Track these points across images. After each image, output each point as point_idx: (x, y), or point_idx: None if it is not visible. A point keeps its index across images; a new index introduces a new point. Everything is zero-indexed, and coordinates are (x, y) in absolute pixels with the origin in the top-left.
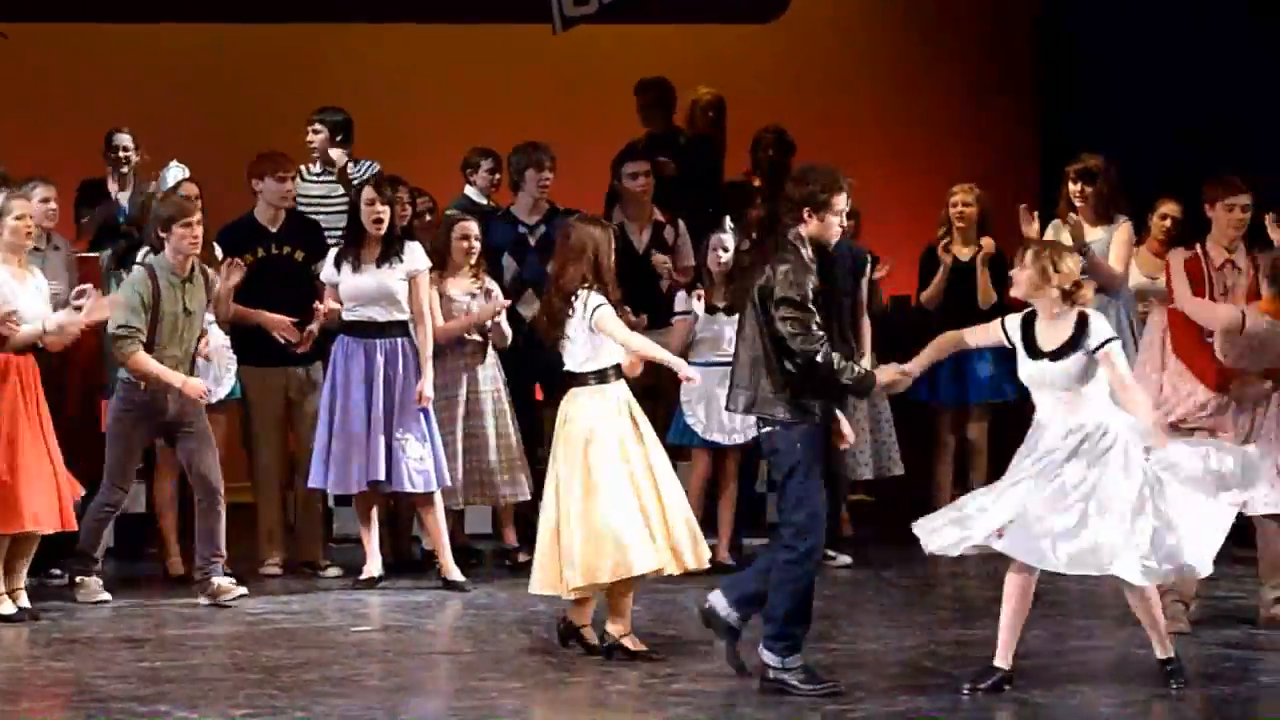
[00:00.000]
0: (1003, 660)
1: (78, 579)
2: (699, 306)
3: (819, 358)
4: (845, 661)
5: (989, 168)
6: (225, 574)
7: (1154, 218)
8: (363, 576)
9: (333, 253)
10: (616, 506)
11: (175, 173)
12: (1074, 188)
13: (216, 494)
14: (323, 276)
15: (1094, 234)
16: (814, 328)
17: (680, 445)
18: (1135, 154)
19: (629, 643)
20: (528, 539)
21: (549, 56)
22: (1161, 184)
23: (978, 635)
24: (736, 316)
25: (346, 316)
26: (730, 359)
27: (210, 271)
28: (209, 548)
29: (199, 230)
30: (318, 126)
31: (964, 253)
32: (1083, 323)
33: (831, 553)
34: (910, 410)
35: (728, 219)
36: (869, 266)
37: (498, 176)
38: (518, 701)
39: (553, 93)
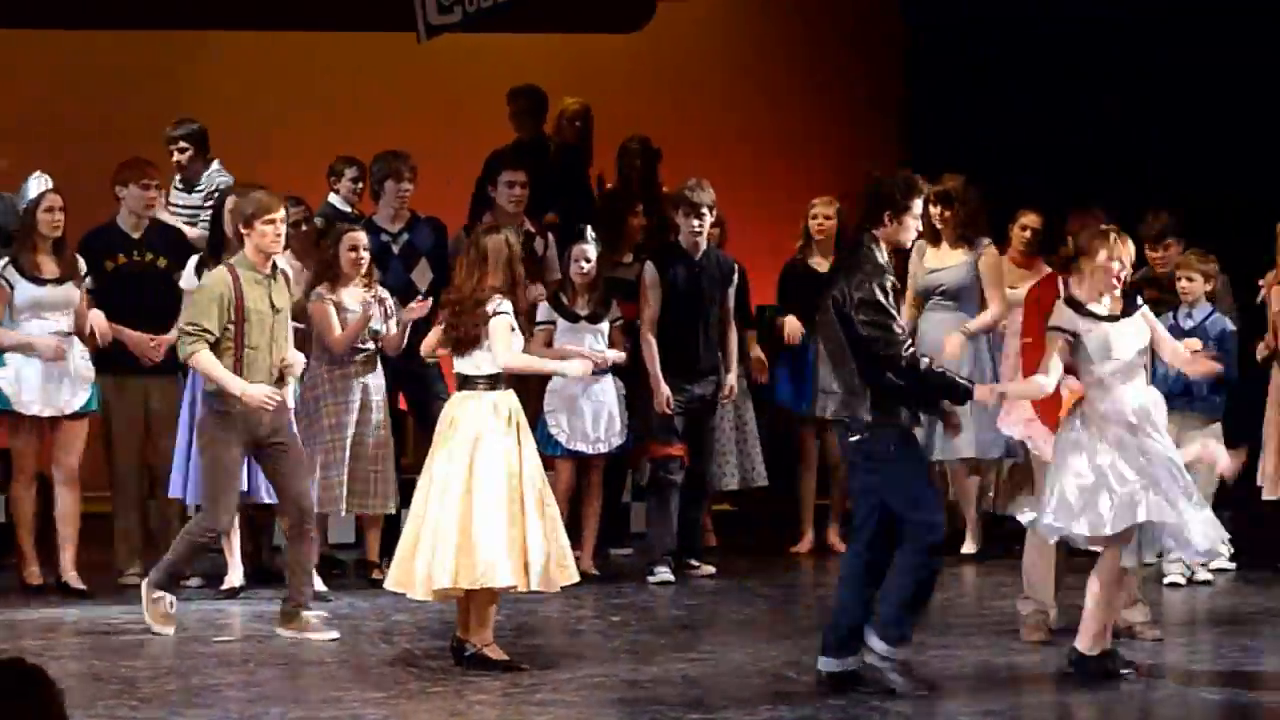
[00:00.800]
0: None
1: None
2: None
3: (903, 361)
4: (708, 671)
5: (854, 180)
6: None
7: (1014, 228)
8: (224, 586)
9: (194, 260)
10: (494, 516)
11: (37, 184)
12: (934, 210)
13: (308, 519)
14: (183, 284)
15: (954, 256)
16: (895, 329)
17: (543, 455)
18: (1000, 172)
19: (491, 652)
20: (389, 552)
21: (414, 65)
22: (1026, 202)
23: None
24: (601, 325)
25: None
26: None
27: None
28: (301, 578)
29: (282, 227)
30: (183, 145)
31: (822, 265)
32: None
33: (694, 562)
34: (774, 420)
35: (589, 229)
36: (736, 275)
37: (361, 185)
38: (379, 711)
39: (418, 101)
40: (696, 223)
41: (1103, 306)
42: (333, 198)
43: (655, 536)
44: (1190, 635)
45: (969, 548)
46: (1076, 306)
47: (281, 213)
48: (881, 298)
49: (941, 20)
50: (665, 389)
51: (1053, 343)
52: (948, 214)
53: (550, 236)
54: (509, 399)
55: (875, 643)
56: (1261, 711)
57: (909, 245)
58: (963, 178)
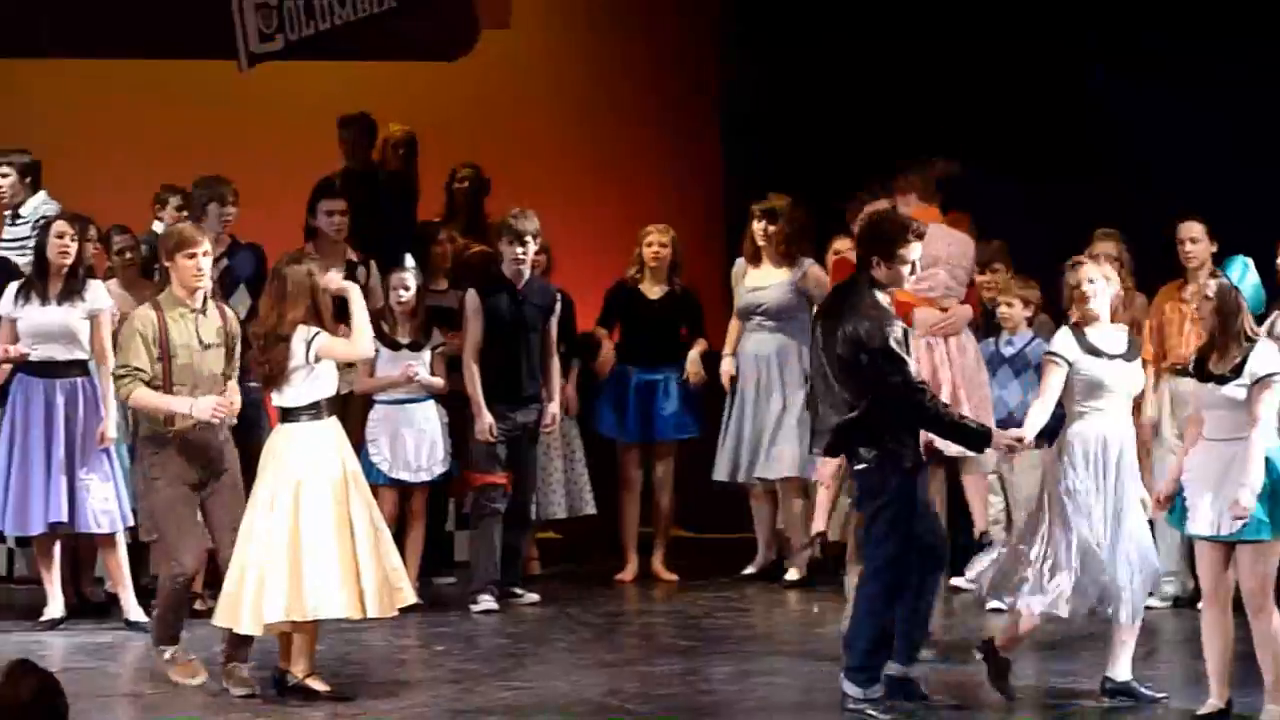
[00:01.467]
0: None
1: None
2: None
3: (929, 409)
4: (530, 700)
5: (678, 205)
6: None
7: (829, 255)
8: (44, 618)
9: (13, 286)
10: (323, 548)
11: None
12: (758, 226)
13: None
14: (0, 310)
15: (776, 275)
16: (913, 377)
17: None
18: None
19: (314, 683)
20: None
21: (237, 93)
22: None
23: (661, 672)
24: (422, 354)
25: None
26: (414, 396)
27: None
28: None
29: (205, 261)
30: (4, 170)
31: (654, 292)
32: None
33: (519, 590)
34: (600, 449)
35: (409, 257)
36: (559, 305)
37: (186, 213)
38: None
39: (243, 130)
40: (520, 250)
41: (1107, 340)
42: (157, 225)
43: (478, 565)
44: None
45: (793, 574)
46: (1079, 335)
47: (205, 245)
48: (895, 347)
49: (758, 42)
50: (487, 417)
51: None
52: (772, 230)
53: (373, 265)
54: (331, 426)
55: (850, 688)
56: None
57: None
58: (789, 197)
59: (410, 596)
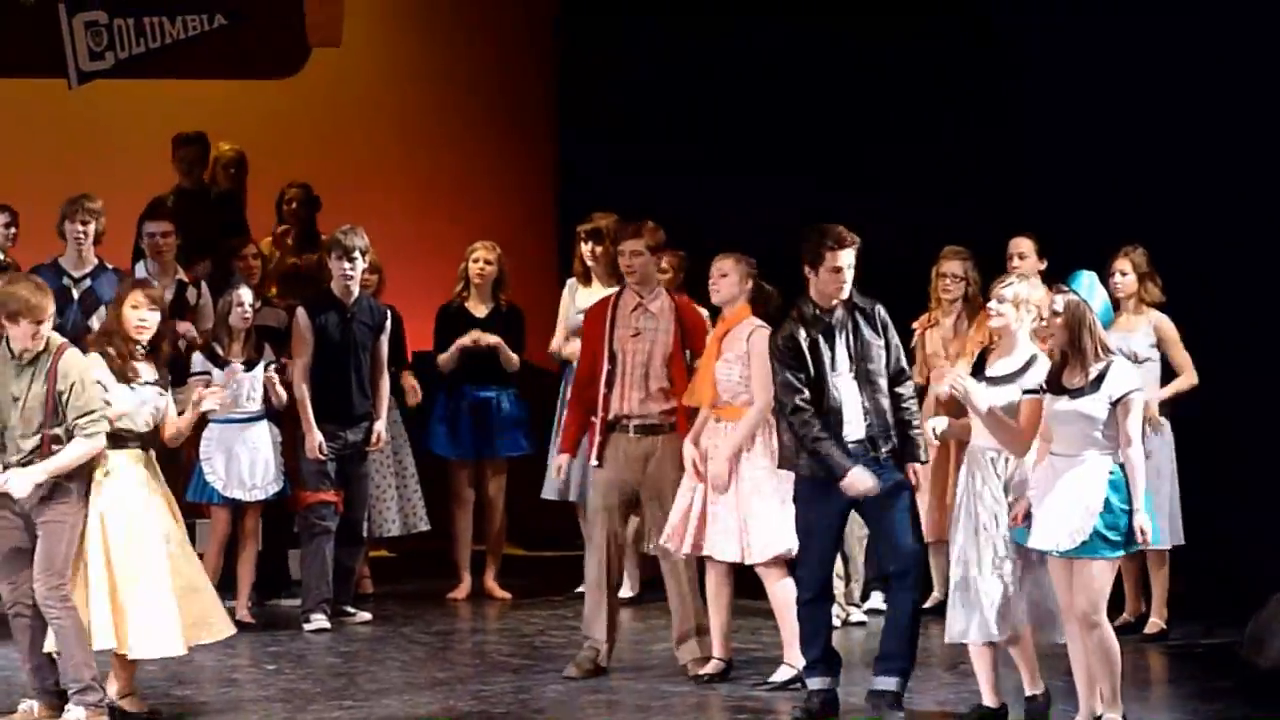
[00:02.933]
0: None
1: None
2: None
3: (788, 413)
4: (362, 718)
5: (510, 222)
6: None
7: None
8: None
9: None
10: (145, 582)
11: None
12: (585, 248)
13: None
14: None
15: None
16: (793, 383)
17: (199, 502)
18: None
19: (129, 704)
20: None
21: (67, 111)
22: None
23: (494, 690)
24: (255, 372)
25: None
26: (248, 415)
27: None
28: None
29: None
30: None
31: (480, 310)
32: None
33: (351, 609)
34: (433, 466)
35: (236, 275)
36: (389, 323)
37: (14, 230)
38: None
39: (72, 148)
40: (348, 266)
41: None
42: None
43: (309, 584)
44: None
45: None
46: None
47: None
48: (785, 350)
49: (593, 63)
50: (317, 435)
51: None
52: (598, 251)
53: (204, 285)
54: (134, 455)
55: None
56: None
57: (842, 297)
58: (614, 216)
59: (226, 629)
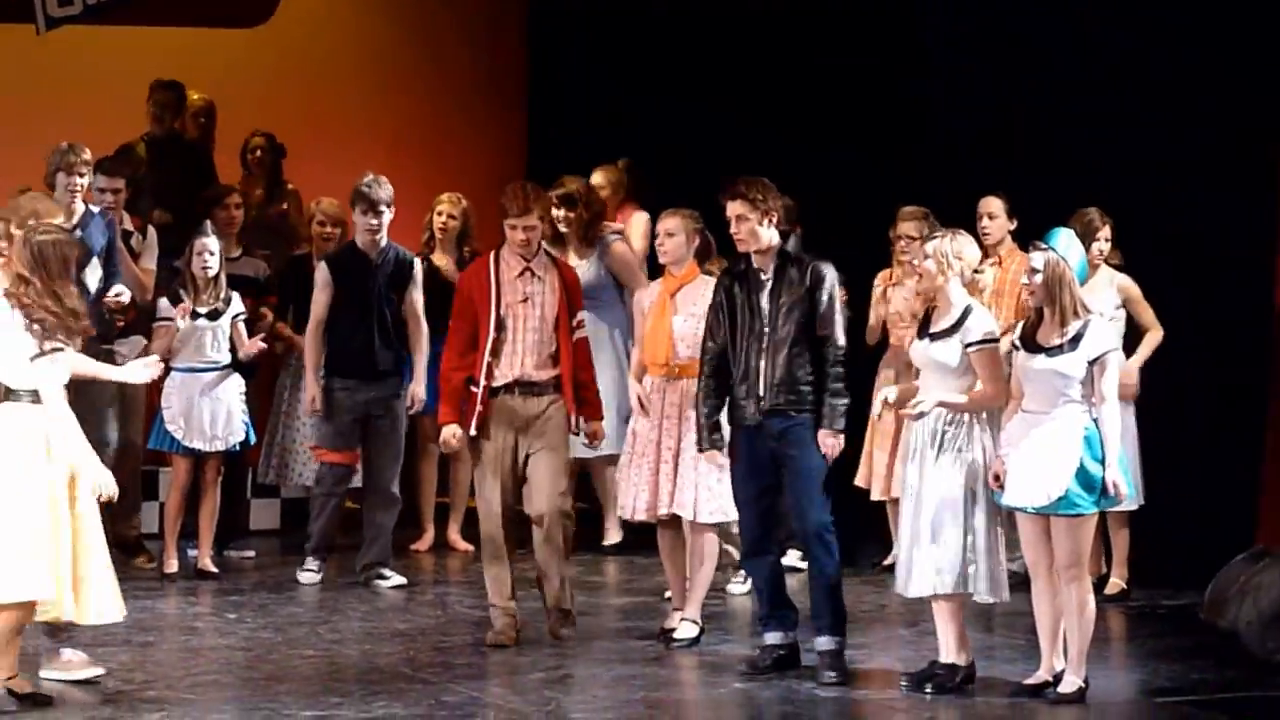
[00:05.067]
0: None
1: None
2: (178, 315)
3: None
4: (326, 669)
5: (480, 175)
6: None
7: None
8: None
9: None
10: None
11: None
12: (558, 213)
13: None
14: None
15: (583, 257)
16: (705, 338)
17: (159, 450)
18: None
19: (16, 685)
20: None
21: (35, 57)
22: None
23: (456, 642)
24: (220, 322)
25: None
26: (212, 365)
27: None
28: None
29: None
30: None
31: (444, 261)
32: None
33: (386, 572)
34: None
35: (209, 224)
36: (414, 270)
37: None
38: None
39: (39, 95)
40: (373, 220)
41: None
42: None
43: (313, 538)
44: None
45: (613, 538)
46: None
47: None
48: (711, 305)
49: (566, 14)
50: (313, 389)
51: None
52: (571, 216)
53: (150, 230)
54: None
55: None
56: (872, 706)
57: (744, 249)
58: (583, 179)
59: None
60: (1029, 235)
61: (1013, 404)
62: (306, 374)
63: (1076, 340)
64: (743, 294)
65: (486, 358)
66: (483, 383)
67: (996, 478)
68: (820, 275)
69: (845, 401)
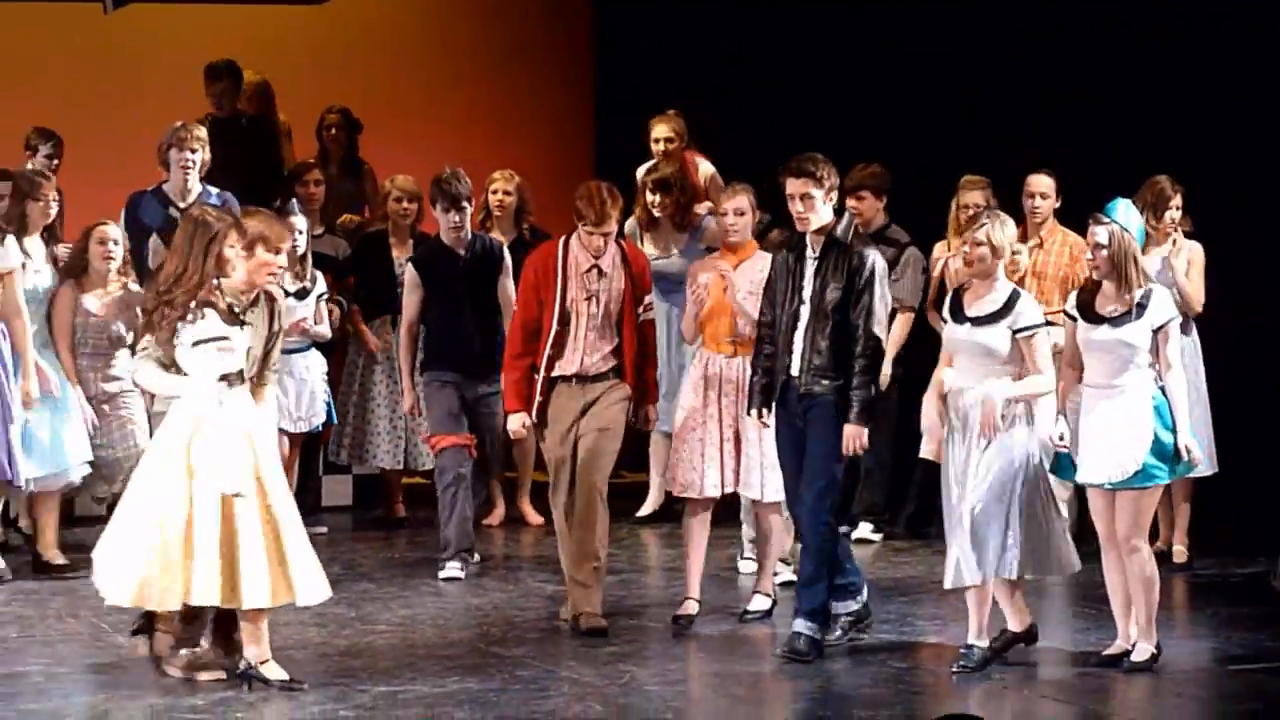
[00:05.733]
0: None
1: None
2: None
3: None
4: (399, 643)
5: (547, 154)
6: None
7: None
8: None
9: None
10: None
11: None
12: (652, 198)
13: None
14: None
15: (678, 241)
16: (763, 306)
17: None
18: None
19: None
20: None
21: (103, 36)
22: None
23: (528, 616)
24: (307, 301)
25: None
26: (296, 346)
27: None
28: None
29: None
30: None
31: (503, 239)
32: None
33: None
34: None
35: (295, 202)
36: (503, 258)
37: (57, 162)
38: None
39: (107, 72)
40: (456, 218)
41: None
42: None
43: (448, 534)
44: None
45: (649, 509)
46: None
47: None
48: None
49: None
50: (411, 398)
51: None
52: (666, 201)
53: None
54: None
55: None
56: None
57: (801, 229)
58: (677, 164)
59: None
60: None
61: (1069, 376)
62: (402, 378)
63: (1141, 309)
64: (794, 270)
65: (548, 350)
66: (543, 374)
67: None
68: (863, 261)
69: (871, 394)
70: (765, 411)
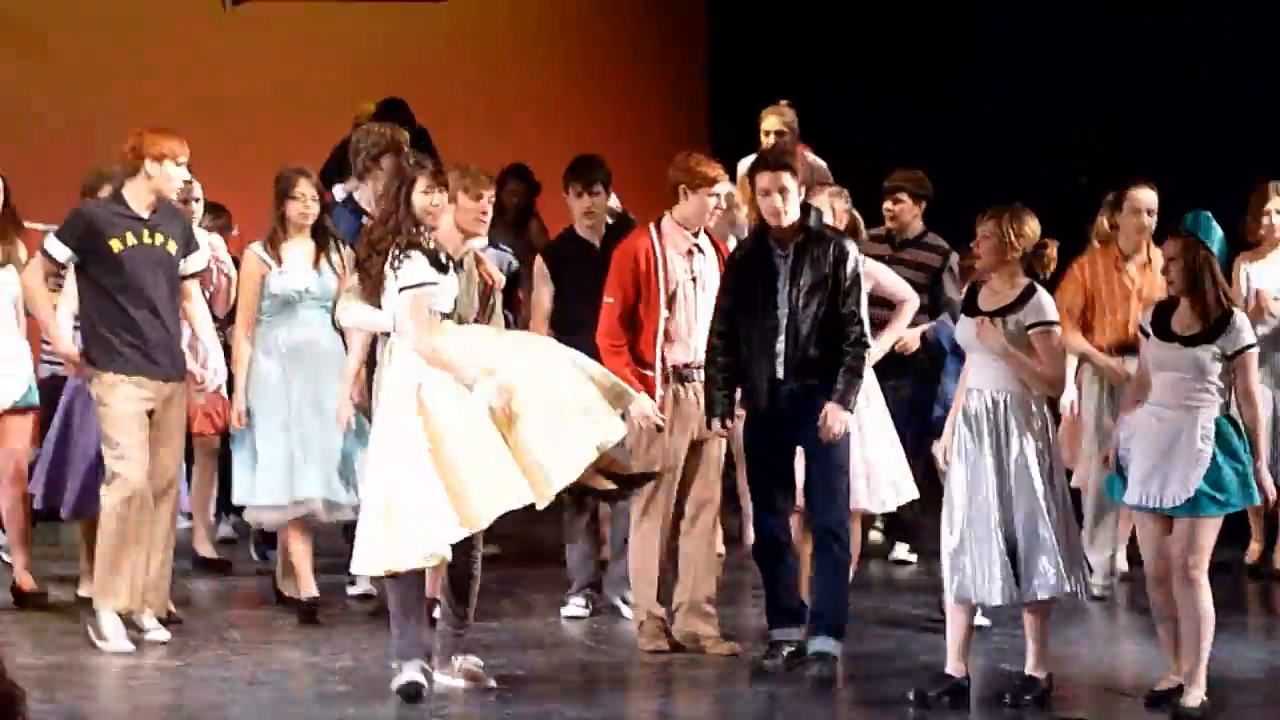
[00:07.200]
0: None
1: None
2: None
3: None
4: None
5: (661, 143)
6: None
7: None
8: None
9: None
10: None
11: None
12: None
13: None
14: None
15: None
16: (717, 314)
17: None
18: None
19: None
20: None
21: (223, 32)
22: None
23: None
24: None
25: None
26: None
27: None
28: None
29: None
30: None
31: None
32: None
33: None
34: None
35: None
36: None
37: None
38: None
39: (227, 69)
40: (590, 201)
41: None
42: None
43: (573, 566)
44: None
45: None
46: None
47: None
48: (725, 268)
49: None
50: None
51: None
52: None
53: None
54: None
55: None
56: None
57: (774, 222)
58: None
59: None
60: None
61: (1134, 392)
62: None
63: (1216, 331)
64: (756, 271)
65: (660, 341)
66: (658, 367)
67: (1109, 462)
68: (845, 251)
69: (860, 381)
70: (728, 420)
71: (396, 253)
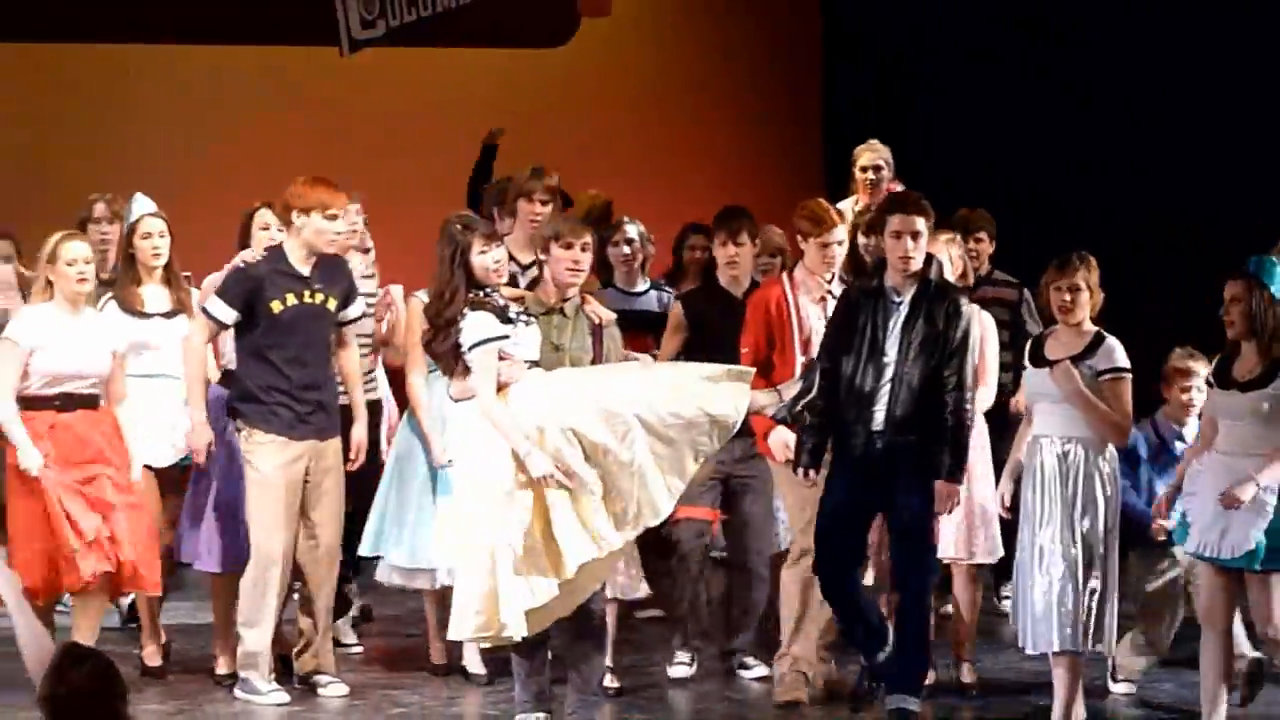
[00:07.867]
0: None
1: None
2: None
3: None
4: None
5: (777, 201)
6: None
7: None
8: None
9: None
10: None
11: (138, 206)
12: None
13: None
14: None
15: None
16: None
17: None
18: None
19: None
20: None
21: (339, 79)
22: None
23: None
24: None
25: None
26: None
27: None
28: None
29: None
30: None
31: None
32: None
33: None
34: None
35: None
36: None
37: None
38: None
39: (344, 116)
40: (733, 251)
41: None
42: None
43: (678, 613)
44: None
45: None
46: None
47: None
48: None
49: (864, 37)
50: None
51: None
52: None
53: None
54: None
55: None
56: None
57: (901, 268)
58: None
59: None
60: None
61: (1207, 438)
62: None
63: (1269, 377)
64: (867, 314)
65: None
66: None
67: (1165, 508)
68: (960, 308)
69: (966, 451)
70: (813, 472)
71: (458, 316)
